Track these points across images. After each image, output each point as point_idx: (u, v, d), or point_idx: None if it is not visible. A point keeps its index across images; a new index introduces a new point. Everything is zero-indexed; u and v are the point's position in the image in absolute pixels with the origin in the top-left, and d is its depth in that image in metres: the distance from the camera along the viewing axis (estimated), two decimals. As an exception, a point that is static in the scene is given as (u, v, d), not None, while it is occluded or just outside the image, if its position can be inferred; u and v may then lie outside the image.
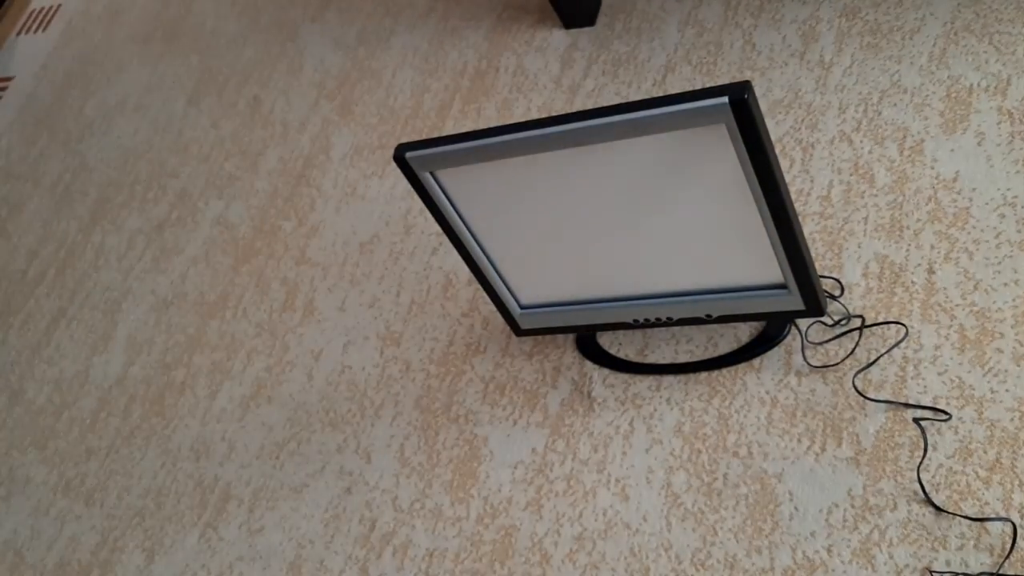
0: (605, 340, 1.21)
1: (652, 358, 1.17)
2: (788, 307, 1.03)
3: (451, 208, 1.05)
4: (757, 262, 1.00)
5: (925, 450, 0.97)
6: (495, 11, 1.66)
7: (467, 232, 1.07)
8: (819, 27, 1.32)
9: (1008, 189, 1.09)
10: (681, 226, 1.00)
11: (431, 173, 1.01)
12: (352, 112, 1.69)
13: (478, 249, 1.09)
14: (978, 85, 1.17)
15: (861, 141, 1.20)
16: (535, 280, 1.12)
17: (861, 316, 1.07)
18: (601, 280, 1.09)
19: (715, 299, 1.05)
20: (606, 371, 1.19)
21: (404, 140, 1.59)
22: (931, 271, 1.08)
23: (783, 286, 1.01)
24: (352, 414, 1.33)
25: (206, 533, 1.30)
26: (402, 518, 1.20)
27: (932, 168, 1.14)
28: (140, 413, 1.48)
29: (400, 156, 1.01)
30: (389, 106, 1.65)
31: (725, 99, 0.85)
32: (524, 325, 1.18)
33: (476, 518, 1.16)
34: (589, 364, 1.21)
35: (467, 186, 1.02)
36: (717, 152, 0.90)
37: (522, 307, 1.17)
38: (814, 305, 1.02)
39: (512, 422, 1.21)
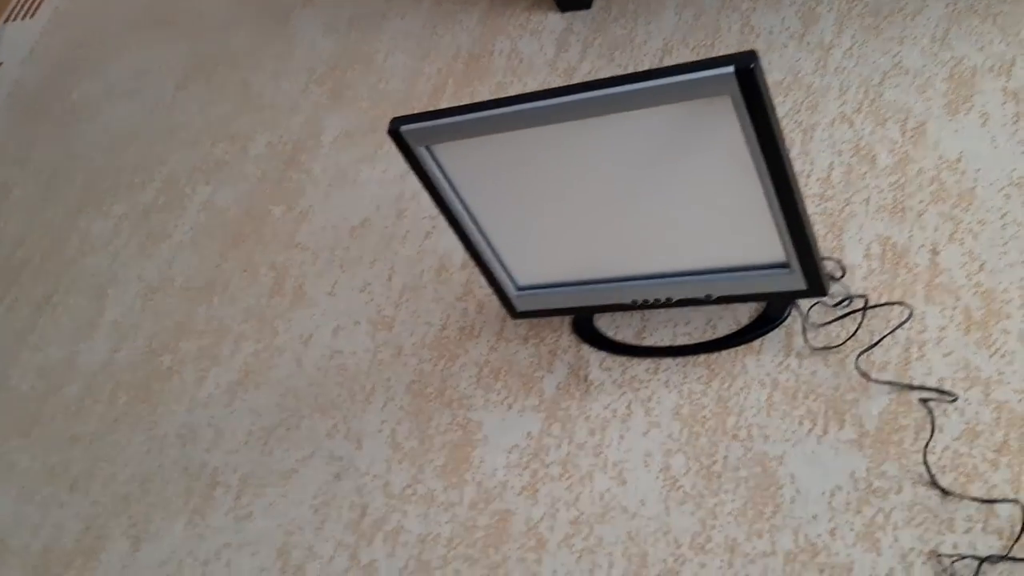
0: (602, 323, 1.19)
1: (650, 341, 1.15)
2: (790, 287, 1.01)
3: (447, 184, 1.02)
4: (759, 240, 0.98)
5: (932, 431, 0.95)
6: (490, -6, 1.64)
7: (463, 209, 1.05)
8: (819, 9, 1.31)
9: (1014, 169, 1.07)
10: (682, 203, 0.97)
11: (427, 147, 0.99)
12: (343, 96, 1.66)
13: (474, 228, 1.07)
14: (982, 66, 1.15)
15: (862, 123, 1.18)
16: (532, 260, 1.10)
17: (864, 296, 1.05)
18: (600, 259, 1.07)
19: (716, 279, 1.03)
20: (603, 354, 1.17)
21: (397, 124, 1.56)
22: (935, 252, 1.06)
23: (785, 265, 0.99)
24: (342, 399, 1.30)
25: (193, 520, 1.27)
26: (393, 504, 1.17)
27: (935, 149, 1.12)
28: (126, 399, 1.45)
29: (395, 130, 0.98)
30: (381, 90, 1.63)
31: (731, 68, 0.83)
32: (520, 307, 1.16)
33: (470, 503, 1.13)
34: (586, 347, 1.18)
35: (464, 161, 1.00)
36: (721, 124, 0.88)
37: (519, 288, 1.14)
38: (816, 285, 1.00)
39: (507, 406, 1.19)
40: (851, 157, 1.16)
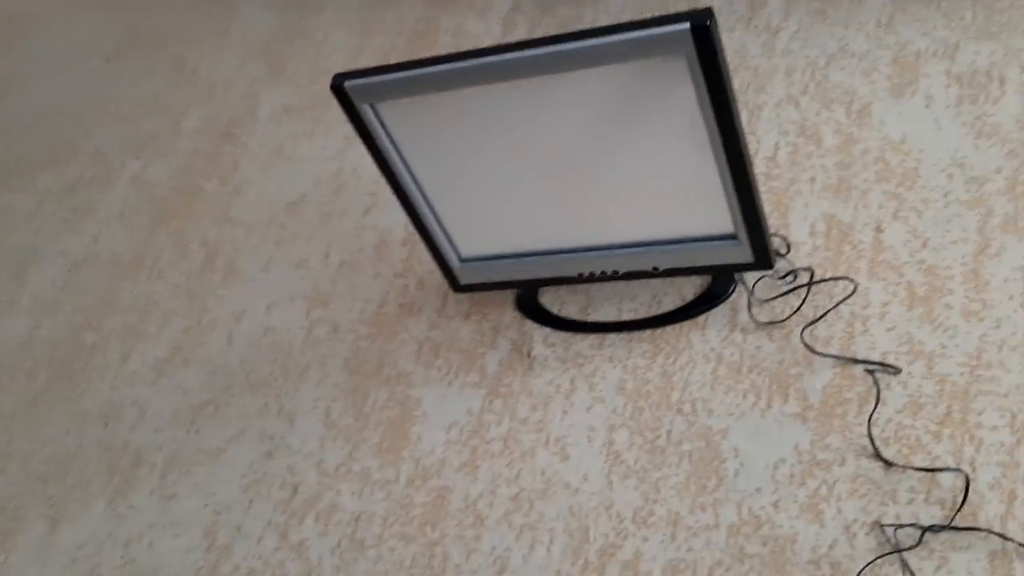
0: (547, 299, 1.17)
1: (595, 317, 1.13)
2: (737, 259, 1.00)
3: (391, 145, 0.99)
4: (708, 210, 0.97)
5: (876, 404, 0.95)
6: (436, -27, 1.61)
7: (406, 173, 1.02)
8: (766, -7, 1.31)
9: (956, 150, 1.08)
10: (631, 170, 0.96)
11: (371, 105, 0.96)
12: (282, 72, 1.61)
13: (417, 193, 1.04)
14: (926, 50, 1.17)
15: (808, 104, 1.19)
16: (477, 230, 1.07)
17: (810, 269, 1.05)
18: (546, 230, 1.05)
19: (663, 250, 1.02)
20: (547, 330, 1.15)
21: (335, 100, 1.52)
22: (879, 230, 1.06)
23: (733, 236, 0.98)
24: (275, 377, 1.26)
25: (114, 501, 1.21)
26: (327, 482, 1.13)
27: (880, 130, 1.13)
28: (46, 377, 1.38)
29: (338, 85, 0.95)
30: (321, 66, 1.59)
31: (687, 25, 0.82)
32: (463, 280, 1.13)
33: (407, 480, 1.10)
34: (529, 324, 1.16)
35: (409, 122, 0.97)
36: (675, 85, 0.86)
37: (462, 260, 1.11)
38: (763, 257, 0.99)
39: (447, 383, 1.16)
40: (797, 137, 1.16)
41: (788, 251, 1.08)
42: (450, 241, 1.09)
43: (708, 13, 0.81)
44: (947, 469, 0.89)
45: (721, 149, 0.90)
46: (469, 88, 0.91)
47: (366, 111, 0.96)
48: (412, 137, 0.98)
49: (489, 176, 1.00)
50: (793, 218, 1.10)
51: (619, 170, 0.96)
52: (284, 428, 1.20)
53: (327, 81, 1.56)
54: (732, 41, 1.29)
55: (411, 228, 1.31)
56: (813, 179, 1.12)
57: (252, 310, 1.34)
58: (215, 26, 1.76)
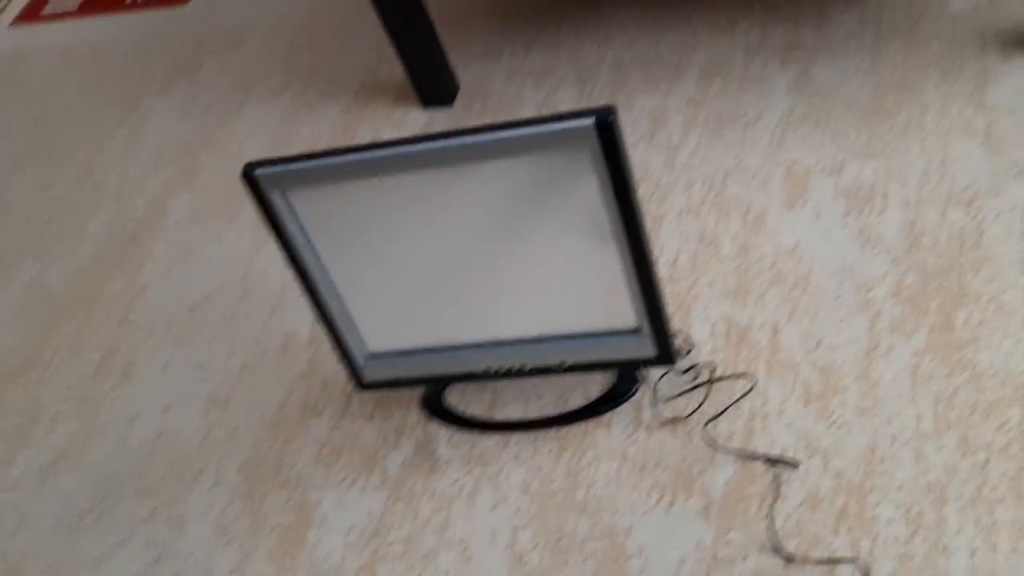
0: (453, 399, 1.16)
1: (501, 416, 1.12)
2: (641, 353, 1.01)
3: (300, 235, 0.99)
4: (612, 304, 0.99)
5: (775, 499, 0.96)
6: (353, 89, 1.65)
7: (315, 264, 1.02)
8: (667, 114, 1.38)
9: (845, 258, 1.13)
10: (537, 264, 0.97)
11: (282, 193, 0.96)
12: (194, 179, 1.61)
13: (326, 285, 1.03)
14: (815, 167, 1.23)
15: (707, 214, 1.24)
16: (384, 323, 1.07)
17: (711, 364, 1.07)
18: (452, 324, 1.05)
19: (569, 344, 1.03)
20: (452, 430, 1.13)
21: (247, 204, 1.53)
22: (776, 330, 1.09)
23: (637, 330, 1.00)
24: (166, 481, 1.20)
25: (-20, 614, 1.12)
26: (217, 589, 1.07)
27: (774, 239, 1.18)
28: (-85, 483, 1.30)
29: (249, 173, 0.95)
30: (233, 173, 1.59)
31: (591, 120, 0.85)
32: (369, 376, 1.11)
33: (302, 585, 1.05)
34: (434, 424, 1.14)
35: (319, 210, 0.97)
36: (579, 180, 0.89)
37: (368, 355, 1.10)
38: (666, 352, 1.01)
39: (348, 485, 1.13)
40: (697, 244, 1.21)
41: (690, 351, 1.10)
42: (356, 335, 1.08)
43: (611, 110, 0.85)
44: (846, 561, 0.90)
45: (624, 242, 0.93)
46: (379, 178, 0.93)
47: (276, 199, 0.96)
48: (322, 226, 0.98)
49: (397, 268, 1.01)
50: (694, 319, 1.13)
51: (525, 264, 0.98)
52: (173, 534, 1.14)
53: (238, 186, 1.56)
54: (635, 156, 1.34)
55: (316, 329, 1.30)
56: (712, 283, 1.16)
57: (146, 413, 1.29)
58: (127, 133, 1.77)
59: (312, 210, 0.97)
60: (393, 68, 1.65)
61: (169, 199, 1.59)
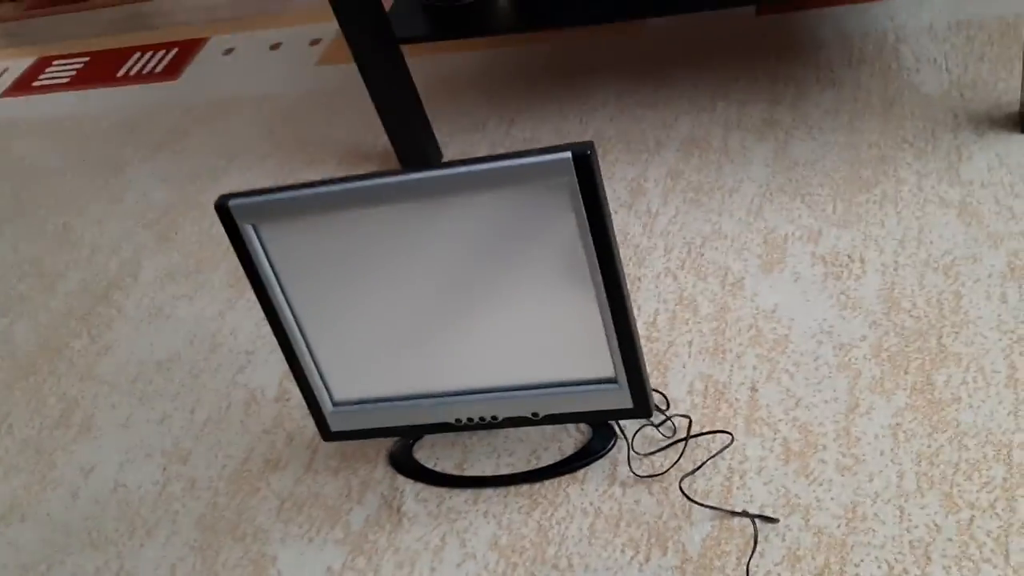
0: (422, 454, 1.12)
1: (471, 471, 1.09)
2: (617, 404, 0.98)
3: (271, 271, 0.97)
4: (588, 353, 0.97)
5: (752, 554, 0.92)
6: (336, 156, 1.66)
7: (284, 302, 0.99)
8: (647, 184, 1.39)
9: (824, 319, 1.12)
10: (512, 308, 0.96)
11: (254, 226, 0.95)
12: (170, 239, 1.60)
13: (294, 325, 1.01)
14: (792, 234, 1.24)
15: (685, 277, 1.23)
16: (353, 371, 1.04)
17: (689, 418, 1.04)
18: (423, 372, 1.02)
19: (543, 394, 1.00)
20: (420, 485, 1.09)
21: (224, 264, 1.51)
22: (754, 389, 1.07)
23: (613, 380, 0.98)
24: (119, 534, 1.15)
25: (-94, 671, 1.05)
26: (163, 646, 1.01)
27: (752, 301, 1.17)
28: None
29: (223, 204, 0.94)
30: (211, 234, 1.58)
31: (568, 154, 0.85)
32: (335, 426, 1.08)
33: (253, 643, 0.99)
34: (402, 479, 1.10)
35: (291, 245, 0.95)
36: (556, 212, 0.89)
37: (335, 403, 1.07)
38: (643, 404, 0.98)
39: (307, 540, 1.08)
40: (675, 305, 1.19)
41: (668, 407, 1.07)
42: (324, 382, 1.05)
43: (589, 145, 0.85)
44: (828, 615, 0.86)
45: (601, 284, 0.91)
46: (353, 211, 0.92)
47: (248, 232, 0.95)
48: (293, 264, 0.97)
49: (367, 311, 0.99)
50: (672, 377, 1.11)
51: (500, 307, 0.96)
52: (121, 589, 1.08)
53: (215, 248, 1.55)
54: (615, 221, 1.34)
55: (285, 386, 1.27)
56: (690, 342, 1.14)
57: (103, 466, 1.24)
58: (107, 197, 1.76)
59: (284, 246, 0.96)
60: (377, 137, 1.67)
61: (144, 259, 1.58)
